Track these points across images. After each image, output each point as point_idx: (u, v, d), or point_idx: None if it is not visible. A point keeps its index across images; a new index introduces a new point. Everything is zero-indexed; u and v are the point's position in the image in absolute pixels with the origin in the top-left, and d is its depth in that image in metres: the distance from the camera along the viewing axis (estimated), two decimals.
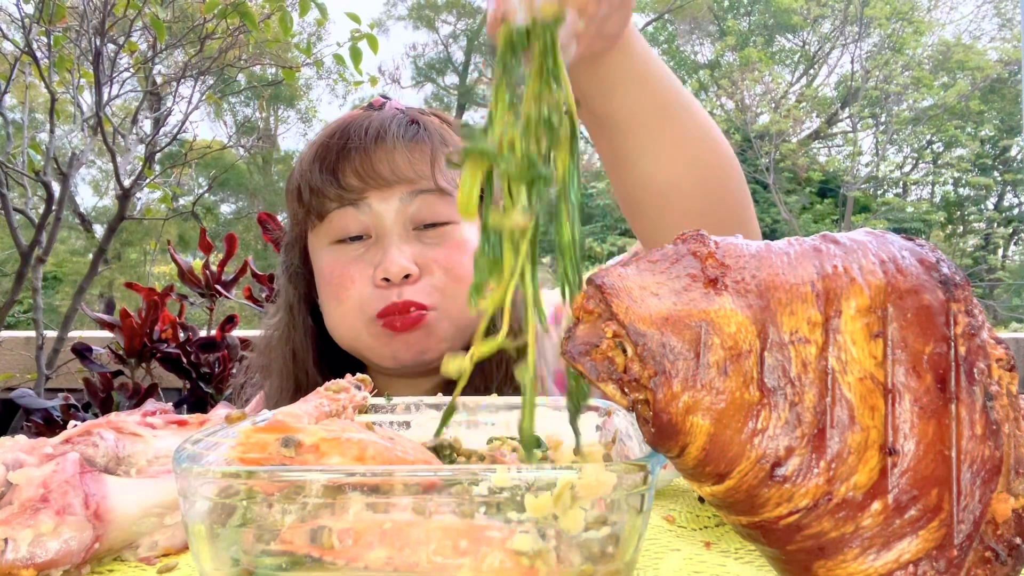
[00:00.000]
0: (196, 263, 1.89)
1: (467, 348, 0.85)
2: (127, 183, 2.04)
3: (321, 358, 0.88)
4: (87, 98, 2.22)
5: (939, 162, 14.15)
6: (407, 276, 0.78)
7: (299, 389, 0.84)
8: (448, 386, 0.86)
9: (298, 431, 0.39)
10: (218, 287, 1.83)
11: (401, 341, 0.80)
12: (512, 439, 0.51)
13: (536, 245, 0.39)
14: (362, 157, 0.80)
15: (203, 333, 1.84)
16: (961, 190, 14.27)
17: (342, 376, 0.54)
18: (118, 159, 2.05)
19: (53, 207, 1.92)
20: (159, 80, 2.47)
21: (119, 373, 1.79)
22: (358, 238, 0.82)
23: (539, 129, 0.38)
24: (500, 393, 0.83)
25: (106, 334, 1.86)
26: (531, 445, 0.40)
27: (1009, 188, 14.13)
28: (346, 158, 0.80)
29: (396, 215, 0.80)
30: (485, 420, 0.54)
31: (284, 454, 0.37)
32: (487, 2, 0.42)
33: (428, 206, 0.81)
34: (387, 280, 0.78)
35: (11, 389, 1.77)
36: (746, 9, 15.97)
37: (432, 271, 0.80)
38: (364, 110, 0.87)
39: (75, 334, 2.00)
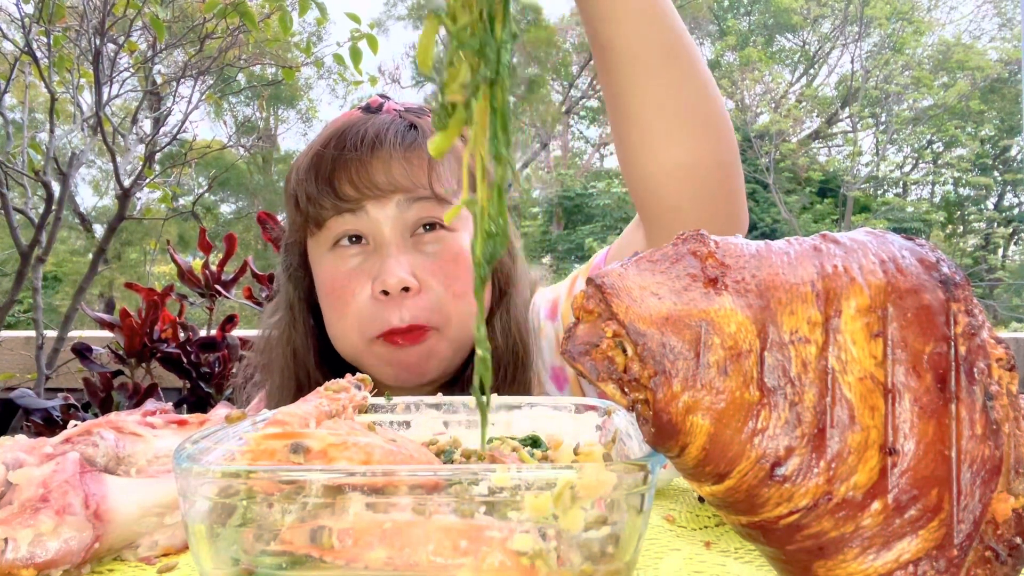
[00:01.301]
0: (196, 263, 1.89)
1: (464, 365, 0.86)
2: (127, 183, 2.04)
3: (322, 357, 0.88)
4: (87, 98, 2.22)
5: (939, 162, 14.15)
6: (406, 288, 0.78)
7: (300, 388, 0.84)
8: (447, 388, 0.86)
9: (306, 437, 0.39)
10: (218, 287, 1.83)
11: (402, 363, 0.81)
12: (512, 439, 0.51)
13: (497, 104, 0.39)
14: (358, 166, 0.79)
15: (203, 333, 1.84)
16: (961, 190, 14.27)
17: (343, 375, 0.54)
18: (118, 159, 2.05)
19: (53, 207, 1.92)
20: (159, 80, 2.47)
21: (119, 373, 1.79)
22: (357, 241, 0.82)
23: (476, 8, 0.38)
24: (500, 393, 0.83)
25: (106, 334, 1.86)
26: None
27: (1009, 188, 14.13)
28: (342, 167, 0.80)
29: (393, 223, 0.80)
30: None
31: (293, 461, 0.38)
32: None
33: (426, 212, 0.81)
34: (386, 293, 0.78)
35: (11, 389, 1.76)
36: (746, 9, 15.97)
37: (431, 286, 0.80)
38: (361, 112, 0.86)
39: (75, 334, 2.00)
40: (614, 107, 0.70)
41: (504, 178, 0.40)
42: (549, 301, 0.92)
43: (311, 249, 0.86)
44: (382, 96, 0.90)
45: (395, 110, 0.86)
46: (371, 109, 0.86)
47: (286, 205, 0.88)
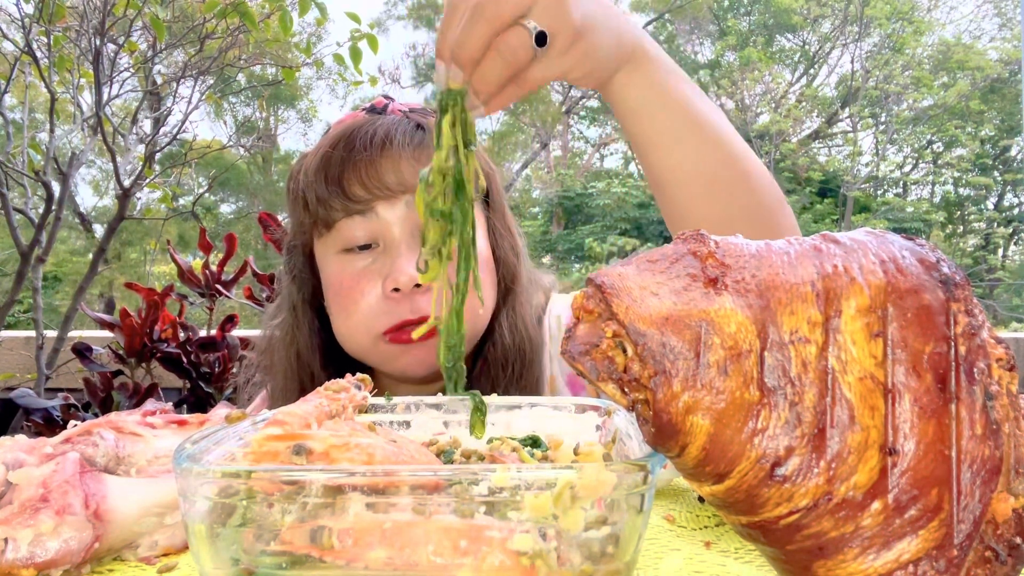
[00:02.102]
0: (196, 263, 1.89)
1: (472, 355, 0.86)
2: (127, 183, 2.04)
3: (327, 359, 0.87)
4: (87, 98, 2.22)
5: (939, 162, 14.14)
6: (417, 285, 0.78)
7: (303, 390, 0.84)
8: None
9: (308, 438, 0.39)
10: (218, 287, 1.83)
11: (411, 356, 0.81)
12: (512, 439, 0.51)
13: (462, 245, 0.52)
14: (367, 167, 0.79)
15: (203, 333, 1.84)
16: (961, 190, 14.26)
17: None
18: (118, 159, 2.05)
19: (53, 207, 1.92)
20: (159, 80, 2.47)
21: (119, 373, 1.79)
22: (366, 247, 0.81)
23: (447, 177, 0.51)
24: (508, 391, 0.83)
25: (106, 334, 1.86)
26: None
27: (1009, 188, 14.12)
28: (352, 168, 0.80)
29: (403, 223, 0.80)
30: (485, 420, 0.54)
31: (296, 462, 0.38)
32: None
33: None
34: (397, 290, 0.78)
35: (11, 389, 1.76)
36: (746, 9, 15.96)
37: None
38: (367, 113, 0.86)
39: (75, 334, 2.00)
40: (653, 184, 0.74)
41: (461, 304, 0.51)
42: (567, 309, 0.92)
43: (318, 250, 0.86)
44: (386, 97, 0.90)
45: (400, 111, 0.86)
46: (376, 110, 0.86)
47: (291, 207, 0.87)
